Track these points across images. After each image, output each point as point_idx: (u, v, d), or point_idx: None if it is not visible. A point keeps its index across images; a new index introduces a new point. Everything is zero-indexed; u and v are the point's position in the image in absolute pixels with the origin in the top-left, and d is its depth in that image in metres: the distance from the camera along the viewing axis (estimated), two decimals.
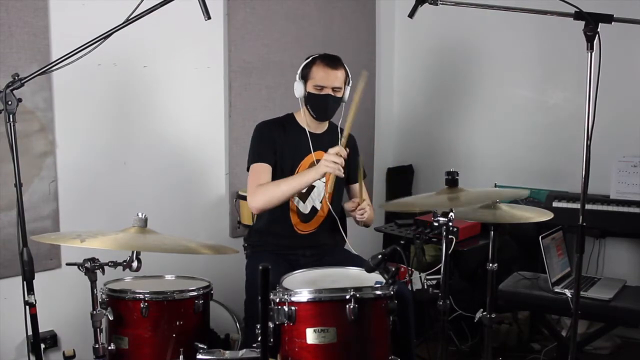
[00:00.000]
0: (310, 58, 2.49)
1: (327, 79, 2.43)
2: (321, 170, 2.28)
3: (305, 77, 2.47)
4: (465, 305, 3.12)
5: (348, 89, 2.51)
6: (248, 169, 2.50)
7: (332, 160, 2.24)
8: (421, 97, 4.24)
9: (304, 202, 2.55)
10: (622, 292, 2.77)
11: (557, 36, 3.50)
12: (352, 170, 2.63)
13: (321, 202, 2.56)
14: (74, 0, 2.69)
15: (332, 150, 2.27)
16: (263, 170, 2.45)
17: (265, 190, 2.39)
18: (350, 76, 2.52)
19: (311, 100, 2.47)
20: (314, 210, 2.55)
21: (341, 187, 2.63)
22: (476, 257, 3.21)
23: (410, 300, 2.29)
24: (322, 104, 2.46)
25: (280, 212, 2.50)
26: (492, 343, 2.48)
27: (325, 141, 2.57)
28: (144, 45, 2.92)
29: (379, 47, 4.14)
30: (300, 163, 2.52)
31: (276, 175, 2.50)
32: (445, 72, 4.09)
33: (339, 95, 2.47)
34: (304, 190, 2.50)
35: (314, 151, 2.53)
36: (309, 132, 2.54)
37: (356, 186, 2.65)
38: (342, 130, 2.63)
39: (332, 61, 2.46)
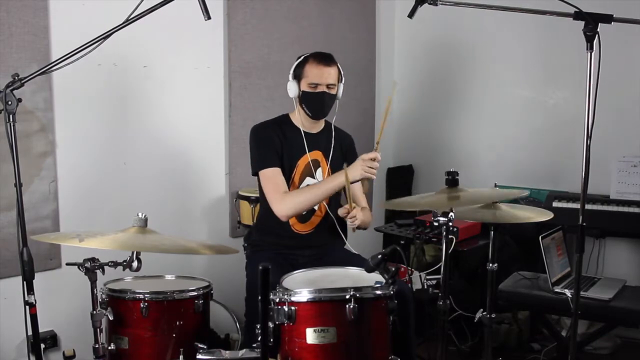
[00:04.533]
0: (302, 57, 2.48)
1: (321, 76, 2.43)
2: (357, 175, 2.29)
3: (298, 76, 2.46)
4: (465, 305, 3.12)
5: (341, 86, 2.51)
6: (254, 174, 2.50)
7: (368, 166, 2.26)
8: (421, 97, 4.24)
9: None
10: (622, 292, 2.77)
11: (557, 36, 3.50)
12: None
13: None
14: (74, 0, 2.69)
15: (367, 156, 2.28)
16: (276, 174, 2.45)
17: (294, 199, 2.39)
18: (342, 73, 2.51)
19: (306, 98, 2.46)
20: (311, 210, 2.55)
21: None
22: (476, 257, 3.21)
23: (411, 298, 2.29)
24: (317, 102, 2.46)
25: None
26: (492, 343, 2.48)
27: (321, 141, 2.57)
28: (144, 45, 2.92)
29: (379, 47, 4.14)
30: (297, 163, 2.52)
31: None
32: (445, 72, 4.09)
33: (333, 92, 2.47)
34: None
35: (309, 151, 2.52)
36: (304, 132, 2.54)
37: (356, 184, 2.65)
38: (336, 127, 2.63)
39: (324, 58, 2.46)
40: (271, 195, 2.44)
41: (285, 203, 2.40)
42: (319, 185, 2.43)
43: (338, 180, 2.34)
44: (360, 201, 2.64)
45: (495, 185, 3.74)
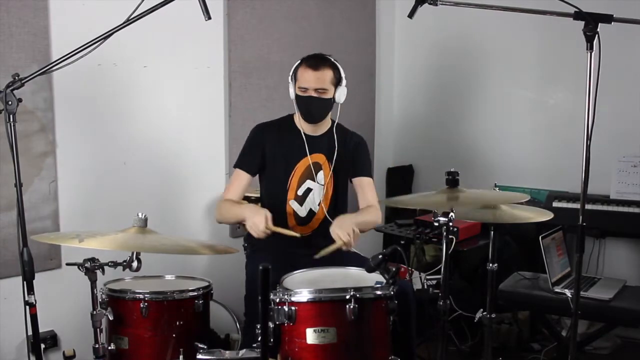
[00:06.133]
0: (300, 59, 2.47)
1: (309, 80, 2.40)
2: (248, 225, 2.30)
3: (294, 79, 2.47)
4: (465, 305, 3.12)
5: (340, 88, 2.45)
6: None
7: (261, 231, 2.25)
8: (421, 97, 4.24)
9: (301, 205, 2.54)
10: (622, 292, 2.77)
11: (557, 36, 3.50)
12: (355, 163, 2.60)
13: (319, 205, 2.54)
14: (74, 0, 2.69)
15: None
16: (237, 177, 2.53)
17: (222, 209, 2.50)
18: (342, 75, 2.46)
19: (298, 102, 2.46)
20: (311, 213, 2.54)
21: (343, 189, 2.60)
22: (476, 257, 3.21)
23: (413, 297, 2.28)
24: (306, 106, 2.44)
25: (277, 214, 2.50)
26: (492, 343, 2.48)
27: (323, 143, 2.55)
28: (144, 45, 2.92)
29: (379, 47, 4.14)
30: (297, 166, 2.51)
31: (270, 179, 2.52)
32: (445, 72, 4.09)
33: (324, 96, 2.42)
34: (300, 193, 2.52)
35: (310, 154, 2.51)
36: (305, 134, 2.52)
37: (360, 182, 2.60)
38: (341, 130, 2.60)
39: (315, 62, 2.41)
40: (223, 195, 2.55)
41: (217, 208, 2.54)
42: (238, 207, 2.44)
43: (244, 214, 2.33)
44: (369, 199, 2.58)
45: (495, 185, 3.73)
